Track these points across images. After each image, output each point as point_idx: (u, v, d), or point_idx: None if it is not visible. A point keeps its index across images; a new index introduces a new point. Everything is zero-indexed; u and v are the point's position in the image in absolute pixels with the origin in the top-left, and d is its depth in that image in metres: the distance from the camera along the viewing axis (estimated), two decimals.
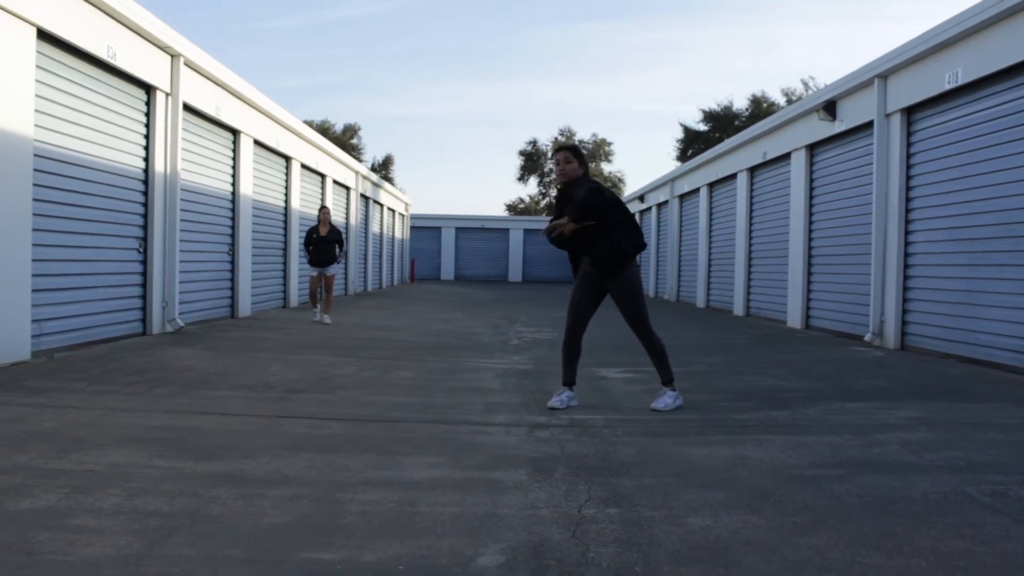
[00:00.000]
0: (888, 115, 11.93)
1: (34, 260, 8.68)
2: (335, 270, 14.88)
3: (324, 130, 58.30)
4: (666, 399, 6.80)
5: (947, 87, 10.42)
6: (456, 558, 3.33)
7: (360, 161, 57.12)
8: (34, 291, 8.70)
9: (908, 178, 11.64)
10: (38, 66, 8.73)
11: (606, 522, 3.82)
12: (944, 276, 10.74)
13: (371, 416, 6.29)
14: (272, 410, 6.42)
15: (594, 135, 69.62)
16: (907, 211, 11.65)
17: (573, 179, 6.68)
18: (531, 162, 63.72)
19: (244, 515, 3.80)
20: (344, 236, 15.34)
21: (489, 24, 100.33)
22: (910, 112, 11.58)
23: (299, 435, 5.56)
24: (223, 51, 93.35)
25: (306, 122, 56.56)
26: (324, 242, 14.53)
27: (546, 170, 64.14)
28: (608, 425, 6.13)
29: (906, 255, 11.66)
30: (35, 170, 8.67)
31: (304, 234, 15.37)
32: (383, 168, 63.21)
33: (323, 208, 14.84)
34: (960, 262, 10.37)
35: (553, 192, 64.20)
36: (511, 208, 66.25)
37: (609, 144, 64.40)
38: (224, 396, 6.97)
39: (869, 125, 12.48)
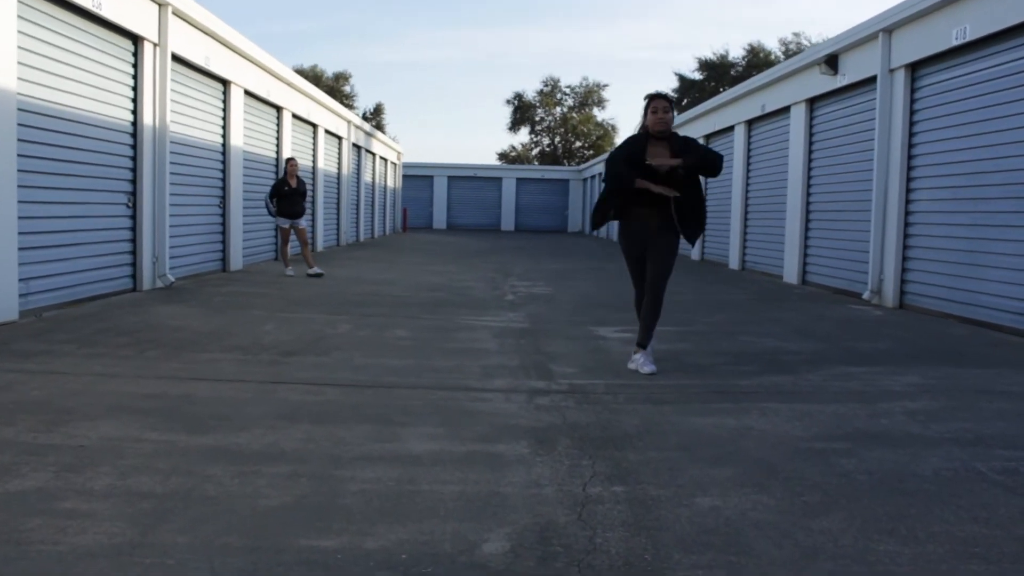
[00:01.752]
0: (892, 70, 11.69)
1: (20, 217, 8.46)
2: (306, 223, 14.74)
3: (316, 77, 57.57)
4: (651, 361, 6.76)
5: (954, 43, 10.18)
6: (460, 544, 3.23)
7: (352, 109, 56.56)
8: (21, 249, 8.50)
9: (911, 135, 11.44)
10: (20, 16, 8.43)
11: (612, 502, 3.73)
12: (945, 235, 10.61)
13: (367, 381, 6.18)
14: (266, 375, 6.30)
15: (584, 78, 68.70)
16: (909, 169, 11.48)
17: (669, 129, 6.61)
18: (520, 112, 62.92)
19: (240, 496, 3.69)
20: (309, 187, 15.21)
21: None
22: (914, 68, 11.34)
23: (294, 403, 5.45)
24: None
25: (297, 69, 55.56)
26: (296, 194, 14.36)
27: (537, 119, 63.42)
28: (609, 391, 6.04)
29: (907, 213, 11.51)
30: (19, 124, 8.42)
31: (271, 186, 15.06)
32: (375, 116, 62.56)
33: (291, 160, 14.62)
34: (962, 222, 10.24)
35: (546, 141, 63.66)
36: (503, 156, 65.73)
37: (604, 87, 63.32)
38: (217, 359, 6.84)
39: (872, 80, 12.23)
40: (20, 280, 8.54)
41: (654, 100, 6.59)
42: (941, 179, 10.79)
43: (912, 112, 11.42)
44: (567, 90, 62.93)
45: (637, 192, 6.55)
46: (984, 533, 3.44)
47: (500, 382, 6.29)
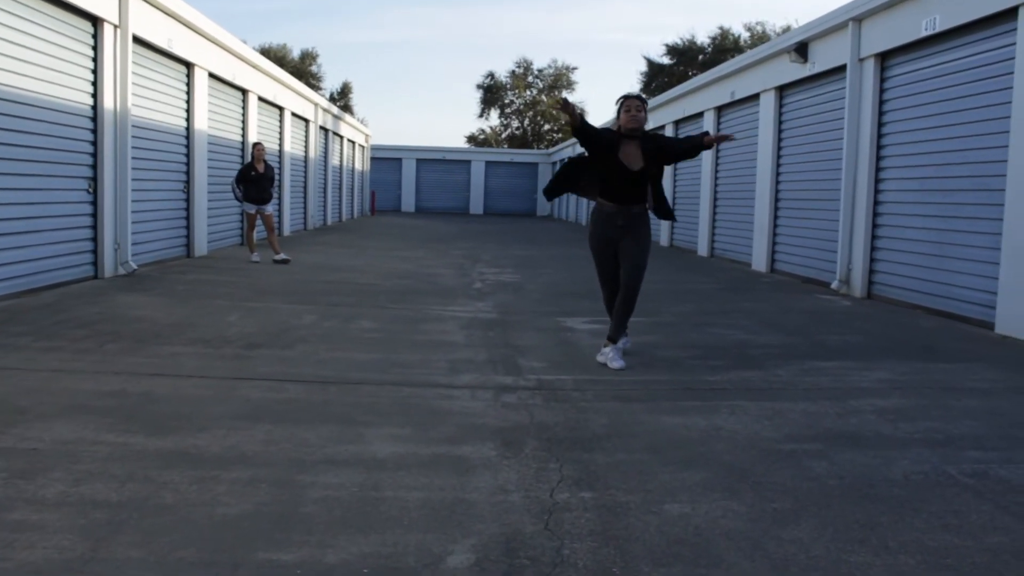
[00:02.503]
0: (862, 60, 11.67)
1: None
2: (272, 208, 14.58)
3: (282, 56, 56.77)
4: (620, 356, 6.69)
5: (923, 34, 10.18)
6: (424, 557, 3.14)
7: (319, 89, 55.97)
8: None
9: (880, 125, 11.45)
10: None
11: (580, 509, 3.65)
12: (914, 226, 10.64)
13: (332, 377, 6.06)
14: (228, 370, 6.16)
15: (553, 61, 68.27)
16: (878, 159, 11.49)
17: (641, 128, 6.67)
18: (490, 95, 62.49)
19: (198, 505, 3.57)
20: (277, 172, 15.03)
21: None
22: (884, 58, 11.34)
23: (256, 401, 5.32)
24: None
25: (264, 48, 54.72)
26: (263, 179, 14.19)
27: (506, 102, 63.05)
28: (577, 387, 5.97)
29: (876, 203, 11.53)
30: None
31: (237, 171, 14.81)
32: (342, 97, 61.83)
33: (257, 144, 14.44)
34: (931, 213, 10.26)
35: (515, 124, 63.33)
36: (471, 139, 65.34)
37: (573, 70, 62.87)
38: (178, 353, 6.68)
39: (842, 69, 12.22)
40: None
41: (628, 99, 6.64)
42: (910, 170, 10.81)
43: (881, 102, 11.42)
44: (537, 72, 62.58)
45: (610, 181, 6.62)
46: (955, 543, 3.40)
47: (467, 378, 6.20)
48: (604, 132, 6.72)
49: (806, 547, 3.32)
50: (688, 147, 6.64)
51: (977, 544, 3.40)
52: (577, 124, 6.45)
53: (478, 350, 7.29)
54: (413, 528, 3.41)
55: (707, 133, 6.73)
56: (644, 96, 6.86)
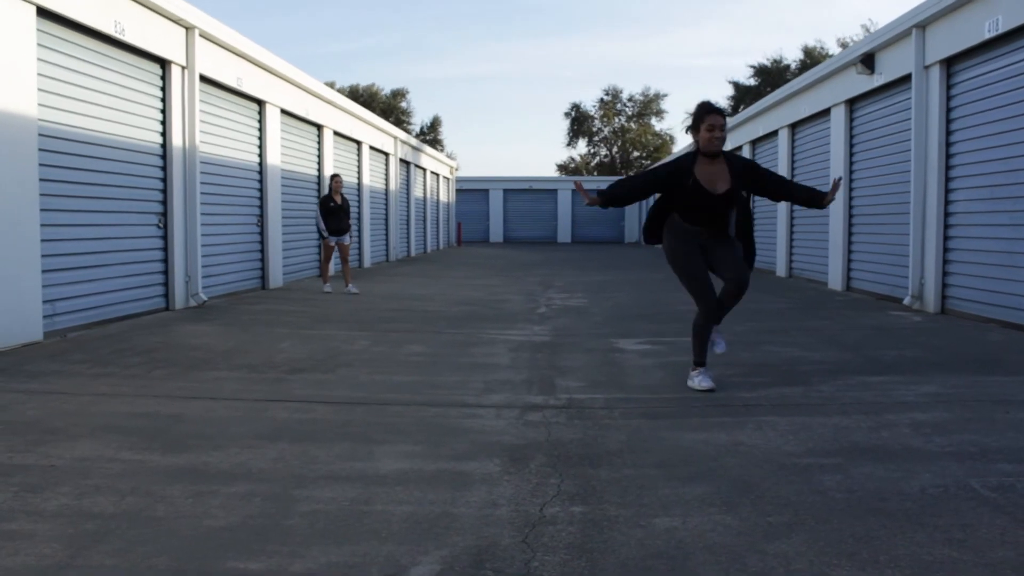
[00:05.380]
0: (927, 67, 11.31)
1: (44, 240, 8.62)
2: (350, 239, 14.82)
3: (372, 94, 58.16)
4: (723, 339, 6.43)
5: (987, 36, 9.81)
6: (389, 568, 3.13)
7: (409, 125, 57.09)
8: (45, 272, 8.65)
9: (948, 133, 11.04)
10: (40, 44, 8.59)
11: (565, 523, 3.59)
12: (986, 237, 10.20)
13: (362, 398, 6.11)
14: (264, 393, 6.27)
15: (645, 88, 68.13)
16: (947, 168, 11.07)
17: (720, 149, 5.95)
18: (578, 124, 62.66)
19: (187, 517, 3.64)
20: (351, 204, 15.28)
21: None
22: (950, 63, 10.96)
23: (280, 421, 5.40)
24: (266, 16, 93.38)
25: (352, 87, 55.97)
26: (341, 211, 14.42)
27: (594, 130, 63.10)
28: (607, 405, 5.88)
29: (946, 215, 11.10)
30: (41, 150, 8.57)
31: (319, 204, 15.09)
32: (431, 131, 62.88)
33: (335, 176, 14.69)
34: (1002, 222, 9.82)
35: (603, 152, 63.23)
36: (562, 168, 65.57)
37: (663, 96, 62.58)
38: (222, 378, 6.84)
39: (908, 78, 11.86)
40: (45, 302, 8.69)
41: (709, 115, 5.84)
42: (980, 178, 10.38)
43: (949, 109, 11.02)
44: (627, 101, 62.46)
45: (689, 206, 6.01)
46: (953, 557, 3.22)
47: (498, 397, 6.17)
48: (664, 168, 6.13)
49: (788, 561, 3.19)
50: (803, 195, 6.10)
51: (978, 559, 3.20)
52: (604, 203, 6.17)
53: (519, 371, 7.25)
54: (389, 540, 3.40)
55: (824, 195, 6.03)
56: (725, 110, 6.04)
